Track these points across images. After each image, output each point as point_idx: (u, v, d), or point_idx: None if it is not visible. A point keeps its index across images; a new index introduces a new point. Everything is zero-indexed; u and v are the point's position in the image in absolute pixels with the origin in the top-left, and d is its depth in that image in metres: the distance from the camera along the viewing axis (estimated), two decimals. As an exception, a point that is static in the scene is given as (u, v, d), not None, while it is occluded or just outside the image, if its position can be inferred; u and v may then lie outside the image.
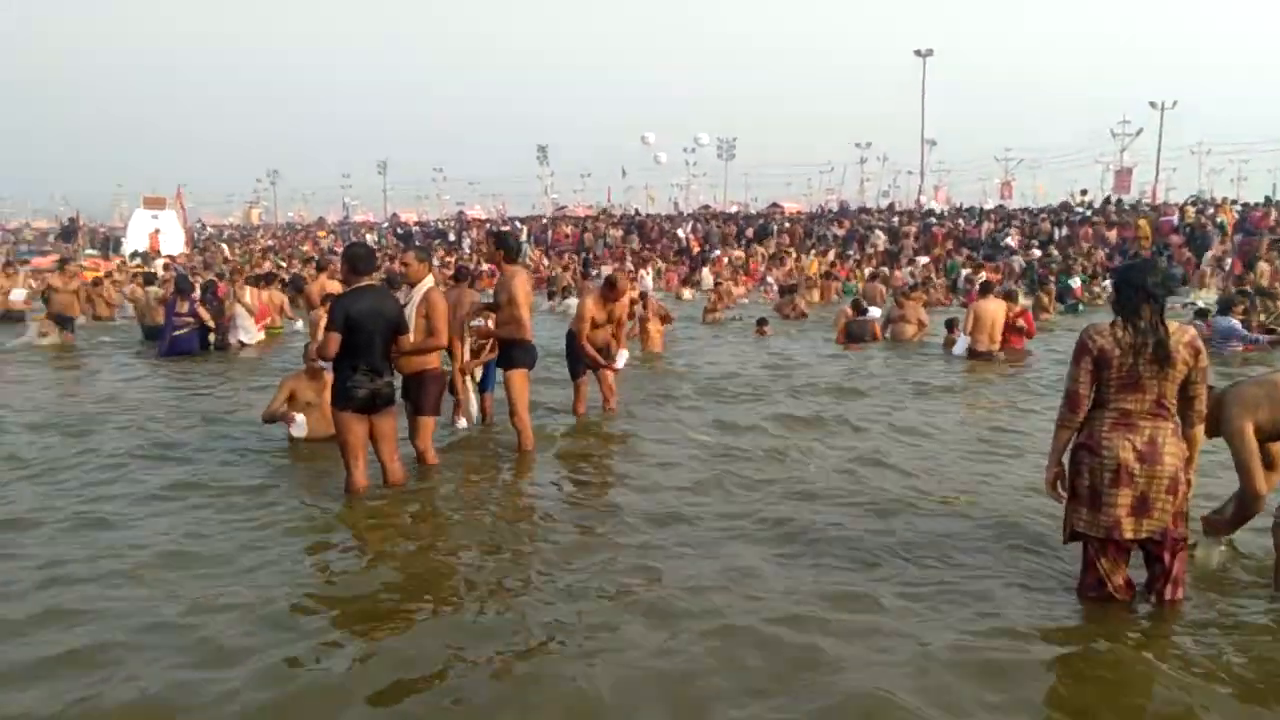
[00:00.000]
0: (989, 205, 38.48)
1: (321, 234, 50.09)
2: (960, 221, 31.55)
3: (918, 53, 45.68)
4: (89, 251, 33.46)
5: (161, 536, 4.90)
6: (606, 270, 26.92)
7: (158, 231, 32.77)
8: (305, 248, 40.02)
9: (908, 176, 56.86)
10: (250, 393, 9.11)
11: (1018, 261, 23.27)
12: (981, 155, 64.19)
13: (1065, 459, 3.92)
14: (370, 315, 5.36)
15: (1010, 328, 12.16)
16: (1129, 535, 3.75)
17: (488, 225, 43.73)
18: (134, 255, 29.06)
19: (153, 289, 14.20)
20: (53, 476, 6.11)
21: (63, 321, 13.21)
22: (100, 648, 3.59)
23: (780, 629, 3.72)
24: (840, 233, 32.32)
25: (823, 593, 4.08)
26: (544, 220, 44.25)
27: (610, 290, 7.82)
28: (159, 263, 23.87)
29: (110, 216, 60.31)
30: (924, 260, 25.91)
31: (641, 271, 26.11)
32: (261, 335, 13.06)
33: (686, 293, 22.36)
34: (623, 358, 7.93)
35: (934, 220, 32.16)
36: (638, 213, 44.37)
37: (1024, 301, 14.94)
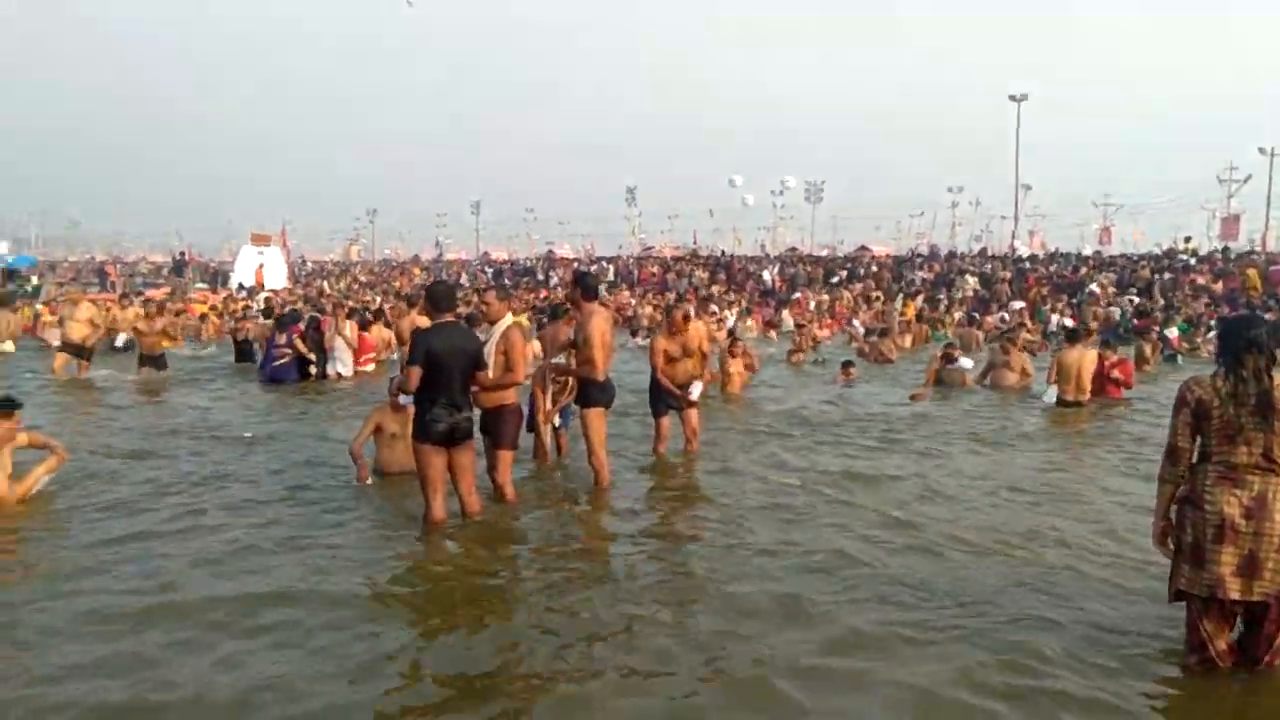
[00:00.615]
0: (1086, 251, 37.47)
1: (416, 271, 51.57)
2: (1054, 267, 30.77)
3: (1012, 98, 44.99)
4: (198, 285, 35.15)
5: (244, 569, 5.02)
6: (691, 310, 27.01)
7: (262, 266, 34.21)
8: (398, 284, 41.23)
9: (1001, 221, 55.79)
10: (338, 423, 9.46)
11: (1115, 311, 22.53)
12: (1079, 200, 62.45)
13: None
14: (450, 351, 5.51)
15: (1106, 378, 11.81)
16: (1235, 595, 3.56)
17: (575, 264, 44.41)
18: (240, 289, 30.43)
19: (268, 321, 15.04)
20: (138, 499, 6.39)
21: (153, 360, 13.32)
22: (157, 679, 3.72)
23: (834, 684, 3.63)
24: (929, 277, 31.81)
25: (904, 680, 3.77)
26: (629, 260, 44.68)
27: (671, 322, 7.91)
28: (261, 296, 24.90)
29: (220, 252, 63.34)
30: (1018, 305, 25.30)
31: (726, 313, 26.11)
32: (369, 368, 13.67)
33: (772, 334, 22.25)
34: (696, 388, 7.94)
35: (1027, 265, 31.43)
36: (724, 254, 44.49)
37: (1123, 351, 14.45)
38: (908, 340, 19.64)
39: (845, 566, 5.03)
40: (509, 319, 6.30)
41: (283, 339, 12.77)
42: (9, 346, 16.27)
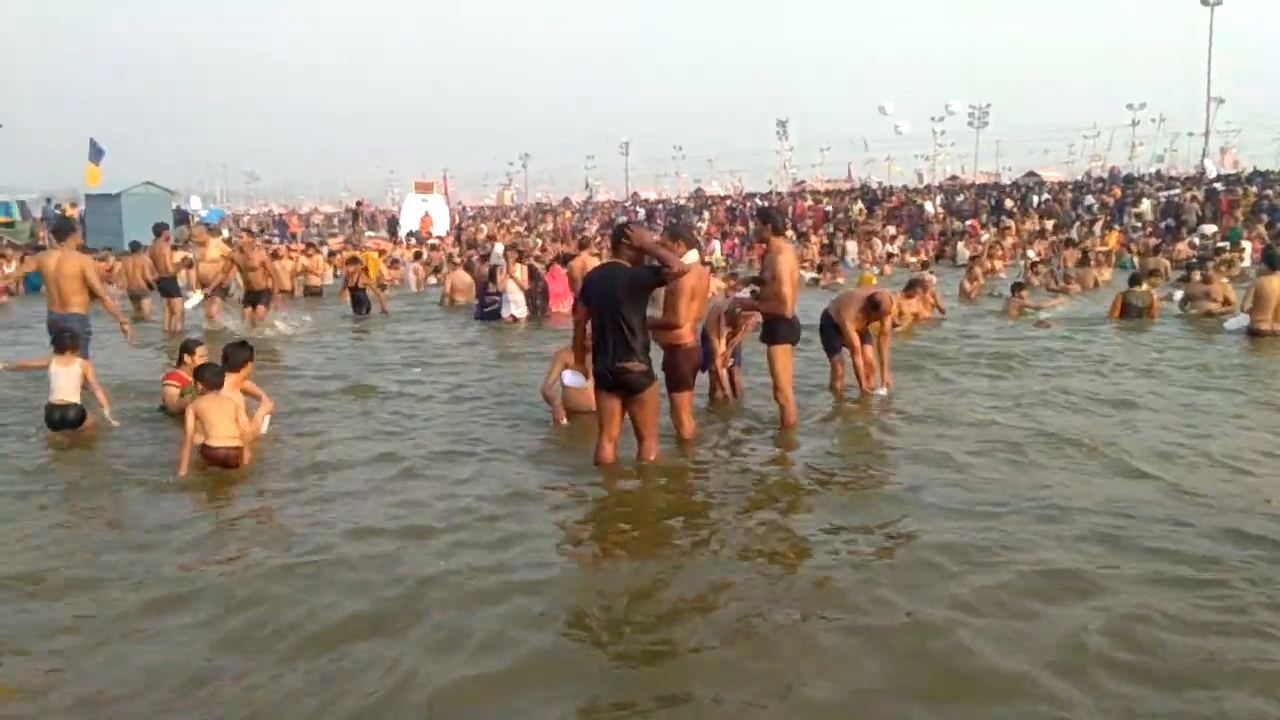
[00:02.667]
0: (1290, 168, 34.15)
1: (567, 214, 52.31)
2: (1250, 188, 28.20)
3: (1204, 1, 41.07)
4: (369, 234, 36.83)
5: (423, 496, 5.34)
6: (851, 246, 26.30)
7: (428, 214, 35.53)
8: (547, 227, 41.98)
9: (1188, 139, 51.43)
10: (522, 363, 9.86)
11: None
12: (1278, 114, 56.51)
13: None
14: (595, 292, 5.49)
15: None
16: None
17: (727, 202, 43.98)
18: (409, 235, 31.79)
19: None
20: (341, 439, 6.74)
21: (256, 296, 12.35)
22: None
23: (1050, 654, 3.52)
24: (1110, 202, 29.80)
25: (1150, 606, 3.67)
26: (784, 196, 43.83)
27: (875, 310, 7.65)
28: (430, 243, 25.94)
29: (383, 200, 66.15)
30: (1210, 229, 23.43)
31: (886, 246, 25.33)
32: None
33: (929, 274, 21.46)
34: (881, 391, 7.73)
35: (1220, 187, 28.91)
36: (880, 185, 43.04)
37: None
38: (1106, 273, 18.42)
39: (1045, 505, 4.87)
40: (692, 256, 6.29)
41: (494, 287, 13.94)
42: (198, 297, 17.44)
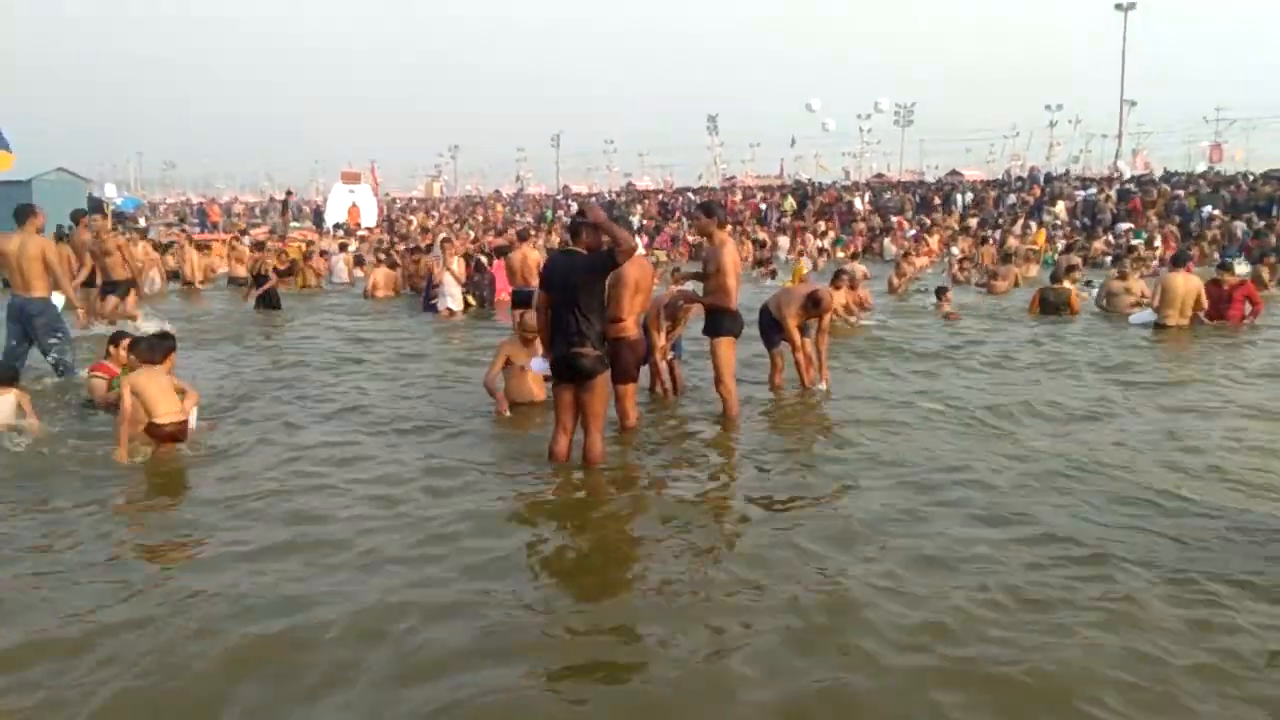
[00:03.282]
0: (1198, 170, 35.75)
1: (499, 207, 51.86)
2: (1165, 188, 29.40)
3: (1118, 6, 42.62)
4: (294, 224, 35.99)
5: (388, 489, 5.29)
6: (783, 241, 26.74)
7: (355, 205, 34.88)
8: (478, 219, 41.60)
9: (1102, 140, 53.34)
10: (462, 355, 9.75)
11: (1239, 227, 21.61)
12: (1189, 116, 58.89)
13: None
14: (555, 279, 5.50)
15: (1227, 301, 11.50)
16: None
17: (659, 196, 44.18)
18: (336, 227, 31.19)
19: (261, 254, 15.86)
20: (274, 431, 6.62)
21: (114, 287, 11.63)
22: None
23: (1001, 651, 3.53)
24: (1030, 200, 30.77)
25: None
26: (716, 192, 44.16)
27: (815, 307, 7.78)
28: (360, 234, 25.46)
29: (308, 191, 64.66)
30: (1125, 227, 24.43)
31: (817, 242, 25.73)
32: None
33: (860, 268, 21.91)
34: (821, 387, 7.87)
35: (1133, 188, 30.08)
36: (811, 182, 43.68)
37: (1241, 271, 14.03)
38: (1033, 269, 19.02)
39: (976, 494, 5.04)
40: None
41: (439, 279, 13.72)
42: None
